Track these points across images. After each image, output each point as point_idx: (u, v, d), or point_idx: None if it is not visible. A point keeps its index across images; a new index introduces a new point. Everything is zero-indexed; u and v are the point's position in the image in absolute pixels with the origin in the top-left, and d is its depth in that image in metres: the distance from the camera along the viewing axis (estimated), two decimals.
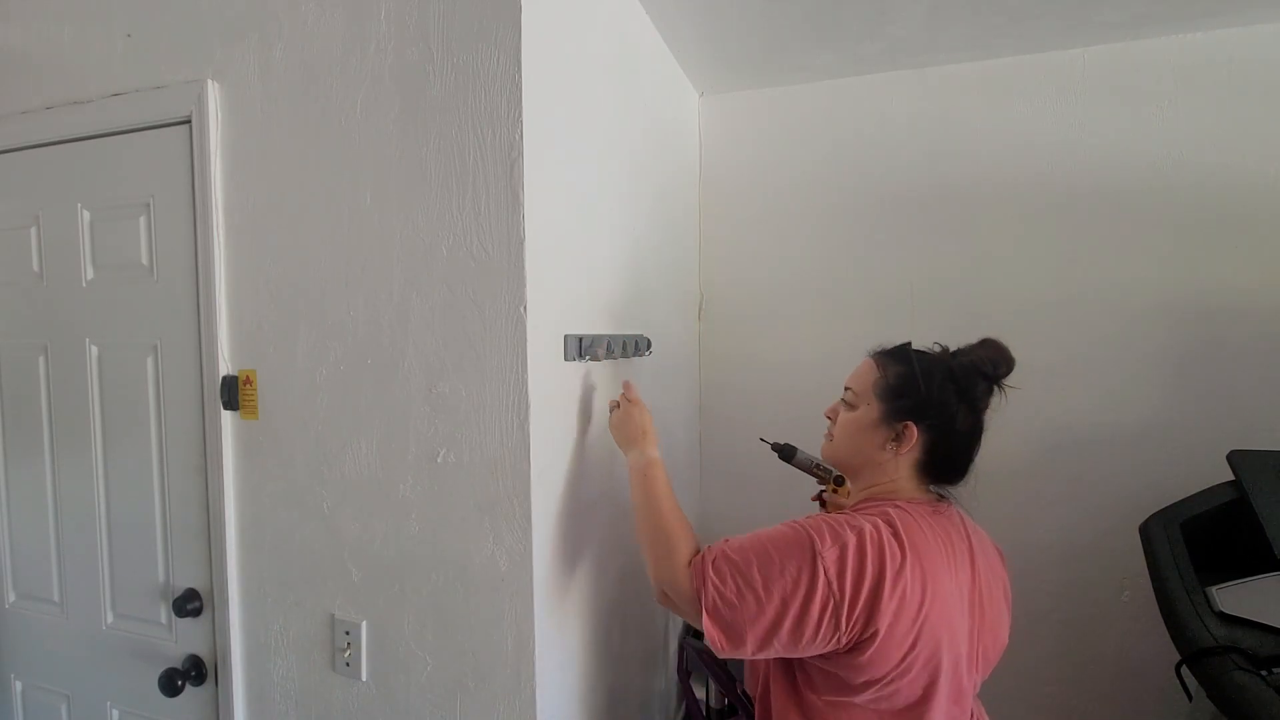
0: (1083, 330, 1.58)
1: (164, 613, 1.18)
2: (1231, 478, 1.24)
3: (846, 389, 0.94)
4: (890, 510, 0.81)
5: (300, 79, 1.00)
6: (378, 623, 1.01)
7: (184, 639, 1.16)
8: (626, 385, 1.13)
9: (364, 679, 1.03)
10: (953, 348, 0.89)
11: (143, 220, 1.13)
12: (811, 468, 1.20)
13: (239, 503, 1.10)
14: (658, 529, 0.92)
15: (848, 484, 1.16)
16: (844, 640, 0.75)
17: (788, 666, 0.86)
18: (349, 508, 1.02)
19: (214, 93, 1.05)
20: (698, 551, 0.86)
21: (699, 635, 0.82)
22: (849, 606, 0.74)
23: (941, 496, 0.90)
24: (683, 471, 1.77)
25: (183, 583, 1.15)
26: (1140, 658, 1.55)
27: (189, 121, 1.07)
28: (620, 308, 1.26)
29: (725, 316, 1.89)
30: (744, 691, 1.34)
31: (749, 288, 1.86)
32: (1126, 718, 1.58)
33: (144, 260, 1.14)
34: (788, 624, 0.76)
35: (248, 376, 1.07)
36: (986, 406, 0.86)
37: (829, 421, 0.97)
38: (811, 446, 1.07)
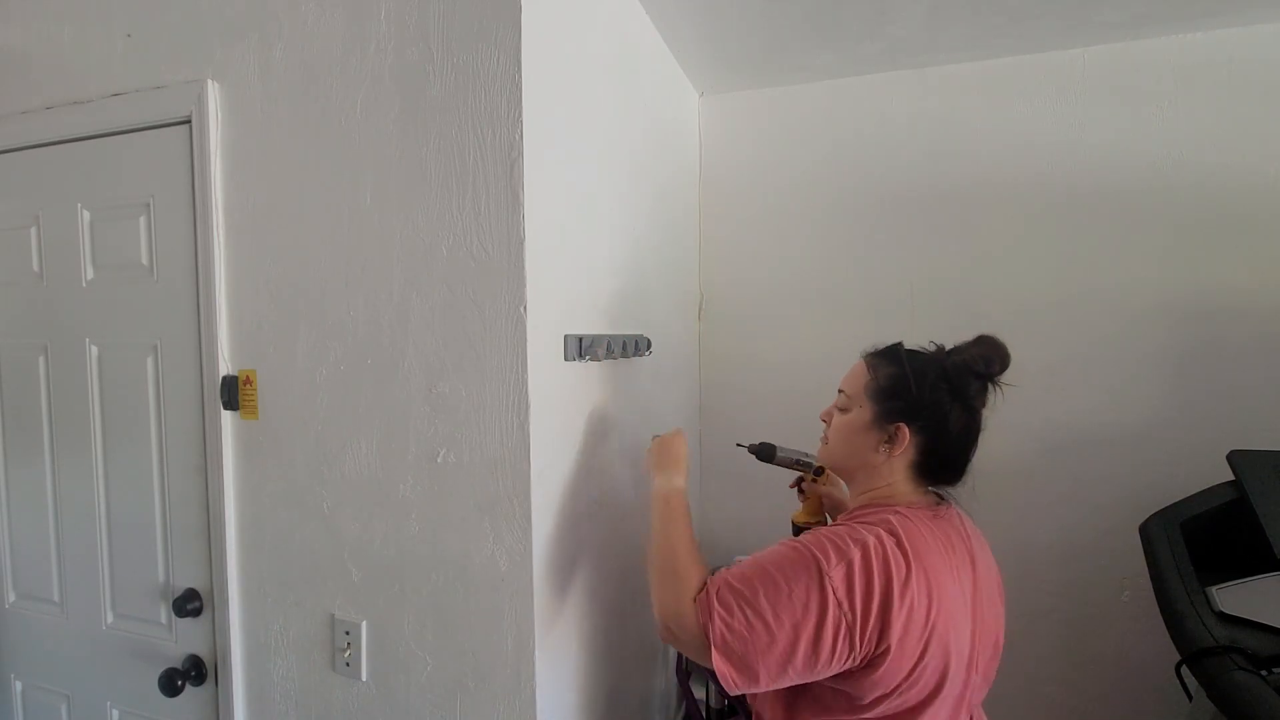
0: (1083, 330, 1.58)
1: (164, 613, 1.18)
2: (1231, 478, 1.24)
3: (840, 391, 0.93)
4: (891, 517, 0.80)
5: (300, 79, 1.00)
6: (378, 623, 1.01)
7: (184, 639, 1.16)
8: (678, 430, 1.12)
9: (364, 679, 1.03)
10: (948, 346, 0.88)
11: (143, 220, 1.13)
12: (793, 463, 1.18)
13: (239, 503, 1.10)
14: (668, 560, 0.89)
15: (827, 472, 1.16)
16: (858, 659, 0.74)
17: (783, 692, 0.84)
18: (349, 508, 1.02)
19: (214, 93, 1.05)
20: (703, 585, 0.83)
21: None
22: (861, 624, 0.72)
23: (941, 498, 0.89)
24: None
25: (183, 583, 1.15)
26: (1140, 658, 1.55)
27: (189, 121, 1.07)
28: (620, 308, 1.26)
29: (725, 316, 1.89)
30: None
31: (749, 288, 1.86)
32: (1126, 718, 1.58)
33: (144, 260, 1.14)
34: (801, 650, 0.73)
35: (248, 376, 1.07)
36: (982, 405, 0.85)
37: (824, 425, 0.97)
38: (811, 448, 1.07)
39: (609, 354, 1.12)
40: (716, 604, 0.78)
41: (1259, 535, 1.13)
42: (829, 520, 1.18)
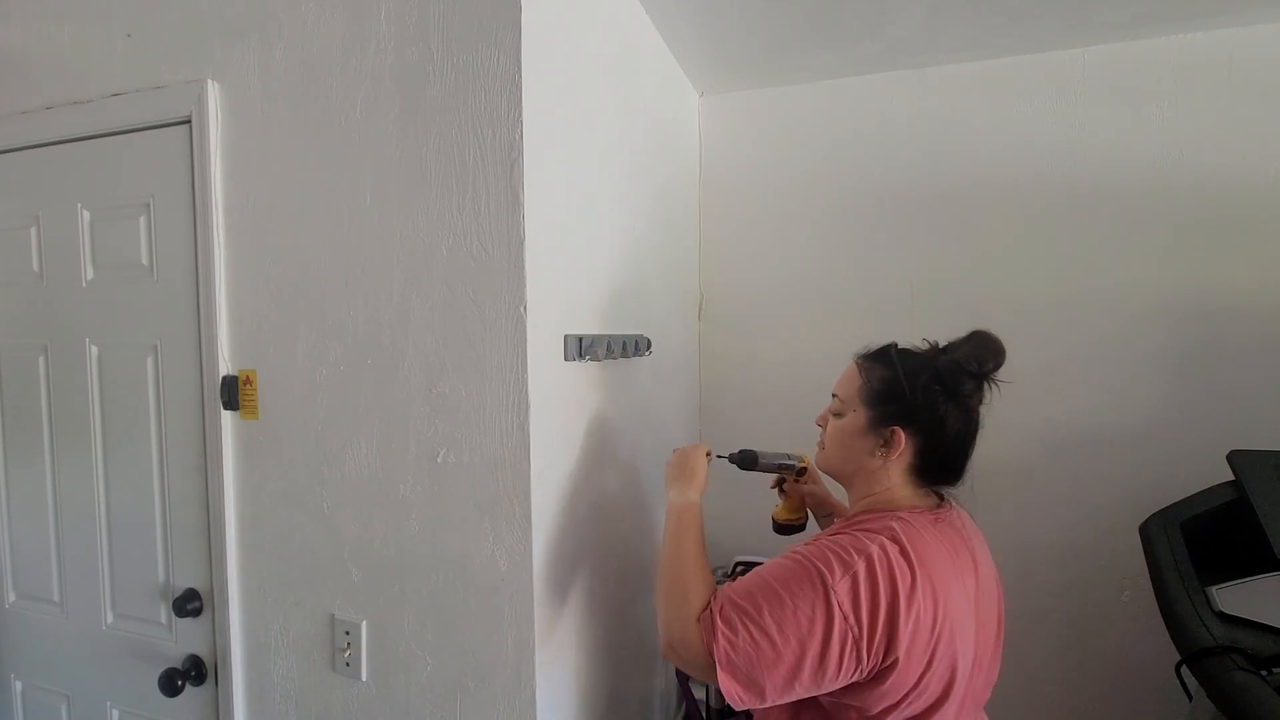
0: (1083, 330, 1.58)
1: (164, 613, 1.18)
2: (1231, 478, 1.24)
3: (833, 396, 0.92)
4: (894, 524, 0.78)
5: (300, 79, 1.00)
6: (378, 623, 1.01)
7: (184, 639, 1.16)
8: (699, 444, 1.10)
9: (364, 679, 1.03)
10: (943, 343, 0.86)
11: (143, 220, 1.13)
12: (775, 467, 1.16)
13: (239, 503, 1.10)
14: (675, 579, 0.86)
15: (809, 471, 1.15)
16: (865, 672, 0.73)
17: (788, 705, 0.83)
18: (349, 508, 1.02)
19: (214, 93, 1.05)
20: (708, 604, 0.81)
21: None
22: (868, 638, 0.71)
23: (942, 499, 0.88)
24: None
25: (183, 583, 1.15)
26: (1140, 658, 1.55)
27: (189, 121, 1.07)
28: (620, 308, 1.26)
29: (725, 316, 1.89)
30: None
31: (749, 288, 1.86)
32: (1126, 718, 1.58)
33: (144, 260, 1.14)
34: (808, 666, 0.72)
35: (248, 376, 1.07)
36: (979, 403, 0.84)
37: (820, 430, 0.95)
38: (810, 451, 1.06)
39: (609, 354, 1.12)
40: (720, 622, 0.76)
41: (1259, 535, 1.13)
42: (809, 516, 1.18)
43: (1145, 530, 1.24)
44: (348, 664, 1.03)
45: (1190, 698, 1.15)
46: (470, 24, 0.90)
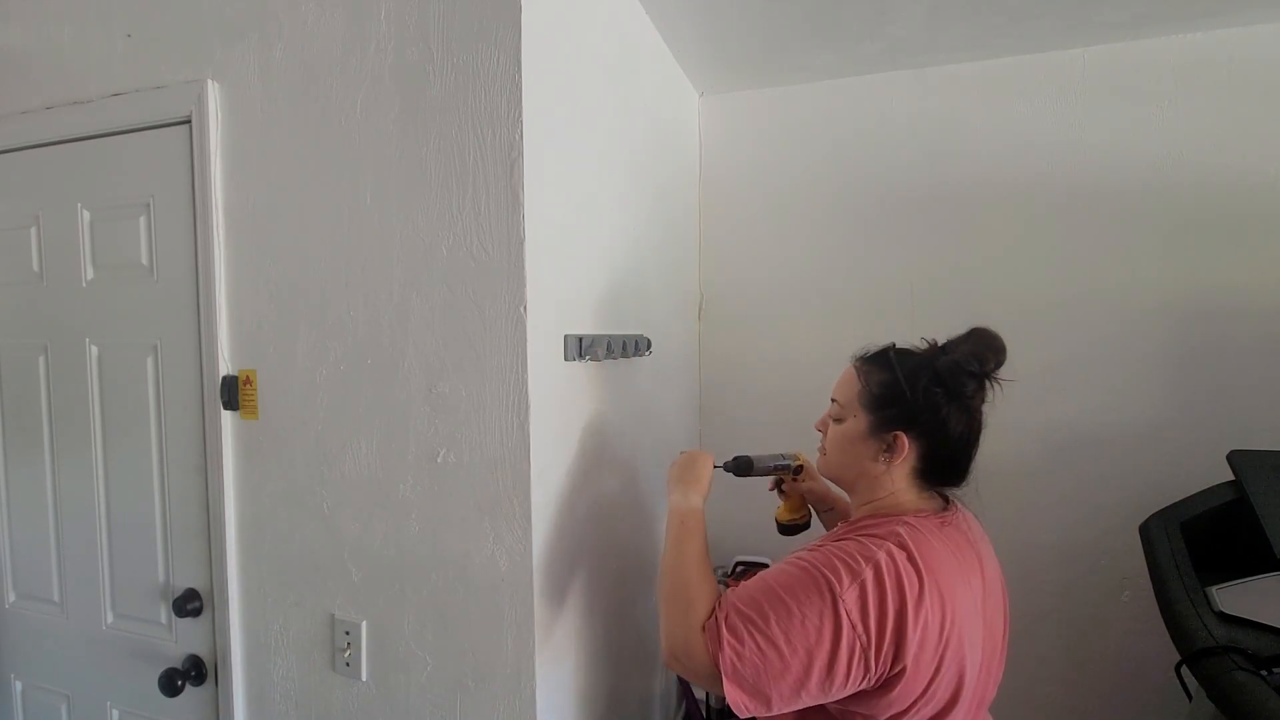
0: (1083, 330, 1.58)
1: (164, 613, 1.18)
2: (1231, 478, 1.24)
3: (833, 400, 0.91)
4: (900, 529, 0.77)
5: (300, 79, 1.00)
6: (378, 623, 1.01)
7: (184, 639, 1.16)
8: (706, 451, 1.09)
9: (364, 679, 1.03)
10: (942, 341, 0.85)
11: (143, 220, 1.13)
12: (771, 469, 1.15)
13: (239, 503, 1.10)
14: (679, 583, 0.85)
15: (805, 469, 1.15)
16: (873, 681, 0.72)
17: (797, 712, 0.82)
18: (349, 508, 1.02)
19: (214, 93, 1.05)
20: (713, 612, 0.79)
21: None
22: (876, 646, 0.70)
23: (947, 500, 0.87)
24: None
25: (183, 583, 1.15)
26: (1140, 658, 1.55)
27: (189, 121, 1.07)
28: (620, 308, 1.26)
29: (725, 316, 1.89)
30: None
31: (749, 288, 1.86)
32: (1126, 718, 1.58)
33: (144, 260, 1.14)
34: (815, 676, 0.71)
35: (248, 376, 1.07)
36: (981, 403, 0.82)
37: (820, 434, 0.94)
38: (810, 453, 1.06)
39: (609, 354, 1.12)
40: (726, 632, 0.75)
41: (1259, 535, 1.13)
42: (812, 513, 1.18)
43: (1145, 530, 1.24)
44: (348, 664, 1.03)
45: (1190, 698, 1.15)
46: (470, 24, 0.90)
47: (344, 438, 1.01)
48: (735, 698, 0.74)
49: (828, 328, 1.77)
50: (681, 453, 1.09)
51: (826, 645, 0.71)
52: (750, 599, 0.77)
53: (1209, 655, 0.96)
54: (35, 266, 1.23)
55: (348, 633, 1.02)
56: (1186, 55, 1.49)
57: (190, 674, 1.13)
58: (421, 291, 0.95)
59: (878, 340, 0.91)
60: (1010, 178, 1.62)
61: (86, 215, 1.18)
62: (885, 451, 0.83)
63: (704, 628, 0.78)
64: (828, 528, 1.16)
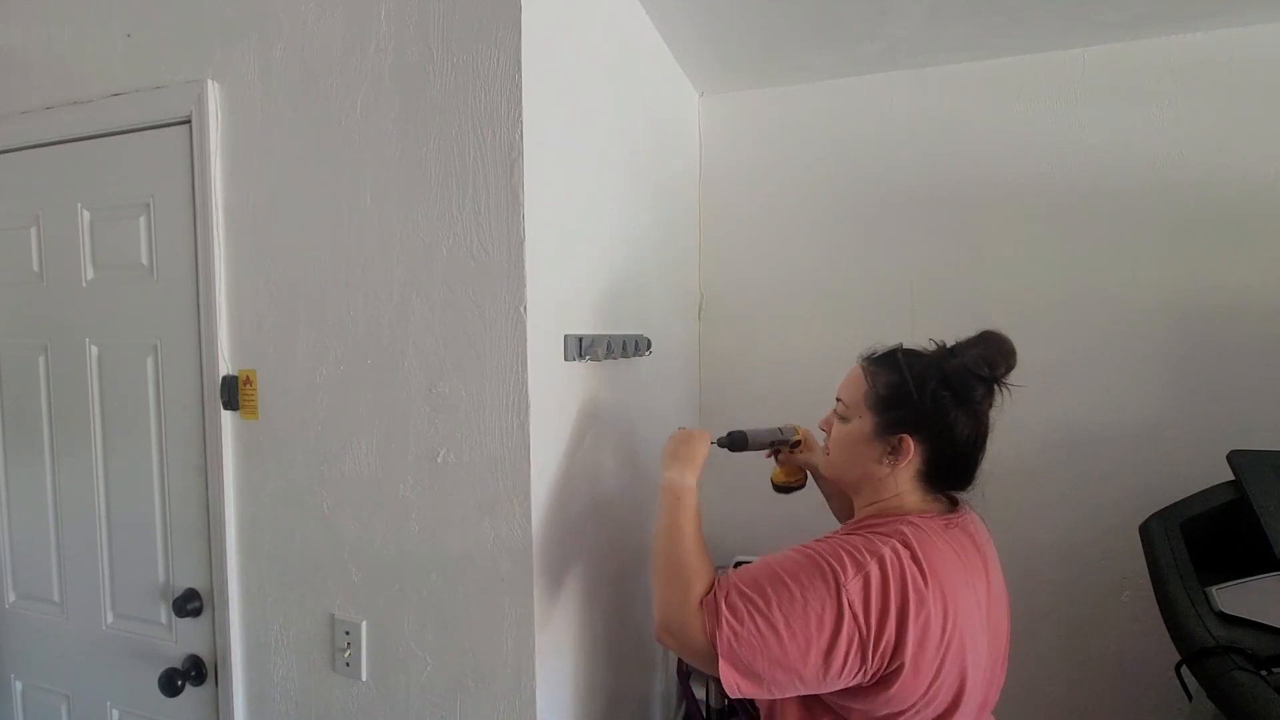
0: (1083, 330, 1.58)
1: (164, 613, 1.18)
2: (1231, 478, 1.24)
3: (838, 400, 0.90)
4: (905, 529, 0.76)
5: (300, 79, 1.00)
6: (378, 623, 1.01)
7: (184, 639, 1.16)
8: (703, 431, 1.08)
9: (364, 679, 1.03)
10: (950, 342, 0.84)
11: (143, 220, 1.13)
12: (769, 443, 1.13)
13: (239, 503, 1.10)
14: (675, 561, 0.84)
15: (804, 441, 1.15)
16: (869, 675, 0.71)
17: (802, 699, 0.82)
18: (349, 508, 1.02)
19: (214, 93, 1.05)
20: (711, 590, 0.79)
21: None
22: (875, 639, 0.70)
23: (954, 503, 0.86)
24: None
25: (183, 583, 1.15)
26: (1140, 658, 1.55)
27: (189, 121, 1.07)
28: (620, 308, 1.26)
29: (725, 316, 1.89)
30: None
31: (749, 288, 1.86)
32: (1126, 718, 1.58)
33: (144, 260, 1.14)
34: (812, 662, 0.71)
35: (248, 376, 1.07)
36: (989, 408, 0.82)
37: (824, 434, 0.94)
38: (812, 429, 1.05)
39: (609, 354, 1.12)
40: (725, 610, 0.75)
41: (1259, 535, 1.13)
42: (809, 477, 1.17)
43: (1145, 530, 1.24)
44: (348, 664, 1.03)
45: (1190, 698, 1.15)
46: (470, 24, 0.90)
47: (344, 438, 1.01)
48: (729, 677, 0.74)
49: (828, 328, 1.77)
50: (680, 428, 1.08)
51: (827, 632, 0.71)
52: (753, 580, 0.76)
53: (1209, 655, 0.96)
54: (35, 266, 1.23)
55: (348, 633, 1.02)
56: (1186, 55, 1.49)
57: (190, 674, 1.13)
58: (421, 291, 0.95)
59: (878, 340, 0.91)
60: (1010, 178, 1.62)
61: (86, 215, 1.18)
62: (890, 454, 0.82)
63: (701, 604, 0.78)
64: (833, 507, 1.15)
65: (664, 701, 1.71)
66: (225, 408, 1.08)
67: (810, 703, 0.82)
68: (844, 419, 0.88)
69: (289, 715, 1.09)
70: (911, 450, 0.80)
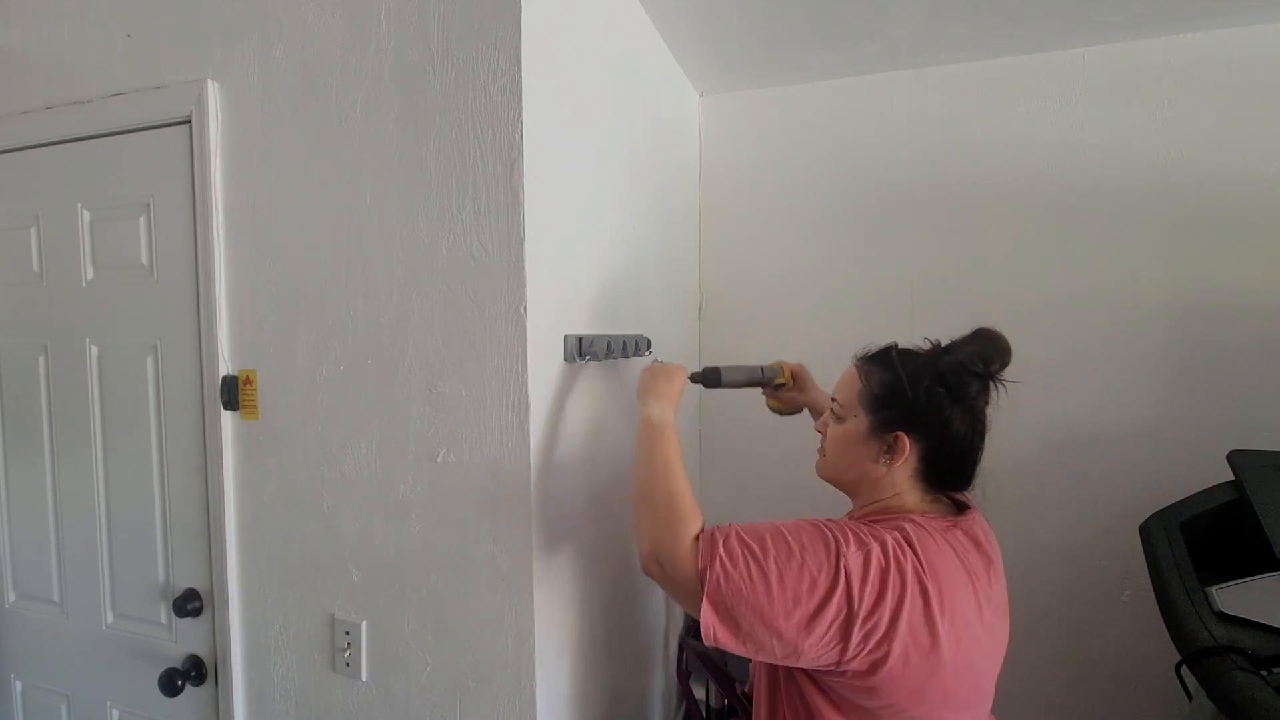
0: (1083, 330, 1.58)
1: (164, 613, 1.18)
2: (1231, 478, 1.24)
3: (833, 400, 0.90)
4: (906, 526, 0.76)
5: (300, 79, 1.00)
6: (378, 623, 1.01)
7: (184, 639, 1.16)
8: (681, 365, 1.08)
9: (364, 679, 1.03)
10: (945, 341, 0.84)
11: (143, 220, 1.13)
12: (745, 381, 1.12)
13: (239, 503, 1.10)
14: (667, 493, 0.83)
15: (792, 381, 1.17)
16: (846, 655, 0.70)
17: (803, 683, 0.81)
18: (349, 508, 1.02)
19: (214, 93, 1.05)
20: (703, 529, 0.80)
21: (700, 635, 0.78)
22: (862, 618, 0.69)
23: (959, 507, 0.86)
24: None
25: (183, 583, 1.15)
26: (1140, 658, 1.55)
27: (189, 121, 1.07)
28: (620, 308, 1.26)
29: (725, 316, 1.89)
30: (744, 693, 1.34)
31: (749, 288, 1.86)
32: (1126, 718, 1.58)
33: (144, 260, 1.14)
34: (795, 622, 0.70)
35: (248, 376, 1.07)
36: (985, 405, 0.82)
37: (820, 435, 0.94)
38: (810, 454, 1.05)
39: (609, 354, 1.12)
40: (722, 550, 0.74)
41: (1259, 535, 1.13)
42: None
43: (1145, 530, 1.24)
44: (348, 664, 1.03)
45: (1190, 698, 1.15)
46: (470, 24, 0.90)
47: (344, 438, 1.01)
48: (708, 619, 0.73)
49: (827, 328, 1.77)
50: (654, 360, 1.06)
51: (818, 596, 0.70)
52: (754, 531, 0.77)
53: (1209, 655, 0.96)
54: (35, 266, 1.23)
55: (348, 633, 1.02)
56: (1186, 55, 1.49)
57: (190, 674, 1.13)
58: (421, 291, 0.95)
59: (878, 340, 0.91)
60: (1010, 178, 1.62)
61: (86, 215, 1.18)
62: (886, 453, 0.82)
63: (697, 539, 0.78)
64: None
65: (664, 701, 1.71)
66: (225, 408, 1.08)
67: (810, 695, 0.81)
68: (840, 419, 0.88)
69: (289, 715, 1.09)
70: (907, 448, 0.80)
